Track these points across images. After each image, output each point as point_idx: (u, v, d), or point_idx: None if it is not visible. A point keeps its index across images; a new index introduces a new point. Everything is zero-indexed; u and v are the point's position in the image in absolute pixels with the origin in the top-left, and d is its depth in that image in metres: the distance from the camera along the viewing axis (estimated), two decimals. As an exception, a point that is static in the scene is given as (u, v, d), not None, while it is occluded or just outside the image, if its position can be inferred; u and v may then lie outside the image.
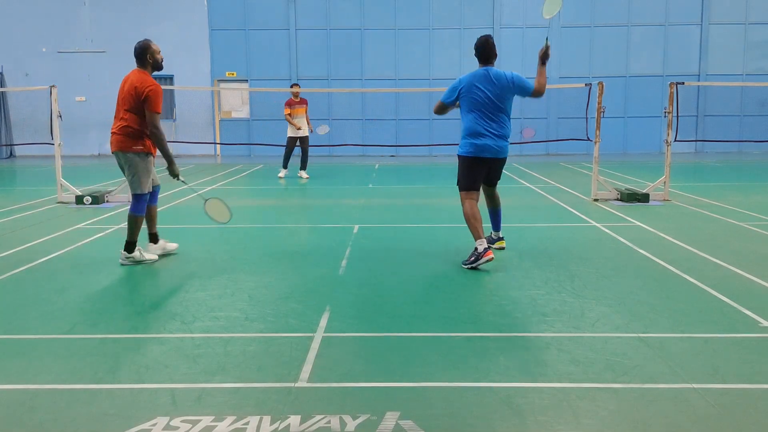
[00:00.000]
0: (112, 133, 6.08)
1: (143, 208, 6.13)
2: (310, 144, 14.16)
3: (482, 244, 5.87)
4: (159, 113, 5.92)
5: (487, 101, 6.04)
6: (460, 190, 6.25)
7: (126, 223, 6.14)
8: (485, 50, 6.13)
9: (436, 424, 2.98)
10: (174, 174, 6.24)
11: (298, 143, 13.91)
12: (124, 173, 6.18)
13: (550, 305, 4.77)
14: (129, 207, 6.18)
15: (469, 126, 6.12)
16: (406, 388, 3.37)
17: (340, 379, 3.48)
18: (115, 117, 6.08)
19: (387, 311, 4.69)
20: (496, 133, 6.10)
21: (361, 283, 5.52)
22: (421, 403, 3.19)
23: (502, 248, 6.62)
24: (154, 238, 6.39)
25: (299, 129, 13.69)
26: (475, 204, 6.18)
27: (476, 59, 6.19)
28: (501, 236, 6.72)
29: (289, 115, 13.71)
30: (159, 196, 6.49)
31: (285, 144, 14.13)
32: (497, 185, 6.54)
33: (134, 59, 6.05)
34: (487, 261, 5.82)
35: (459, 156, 6.23)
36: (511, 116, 6.20)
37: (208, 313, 4.65)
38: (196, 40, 21.38)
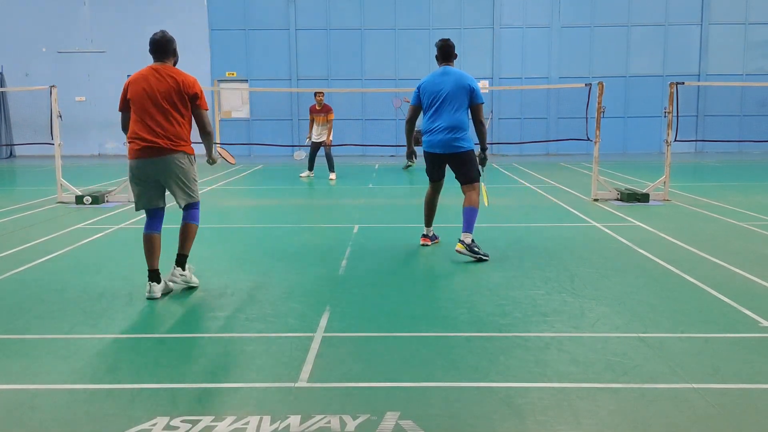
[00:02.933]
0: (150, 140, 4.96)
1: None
2: (333, 144, 14.20)
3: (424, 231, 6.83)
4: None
5: (440, 97, 6.40)
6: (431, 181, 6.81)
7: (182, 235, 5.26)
8: (445, 50, 6.52)
9: (436, 424, 2.98)
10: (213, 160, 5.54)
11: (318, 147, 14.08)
12: (168, 184, 5.10)
13: (550, 305, 4.76)
14: (192, 218, 5.27)
15: (424, 123, 6.54)
16: (406, 388, 3.37)
17: (340, 379, 3.48)
18: (143, 120, 4.98)
19: (387, 311, 4.69)
20: (445, 127, 6.40)
21: (361, 283, 5.52)
22: (421, 403, 3.19)
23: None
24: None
25: (314, 137, 13.85)
26: (430, 192, 6.85)
27: (440, 57, 6.54)
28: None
29: (311, 121, 14.00)
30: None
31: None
32: (467, 184, 6.59)
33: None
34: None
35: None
36: (465, 116, 6.49)
37: (208, 313, 4.65)
38: (196, 40, 21.37)
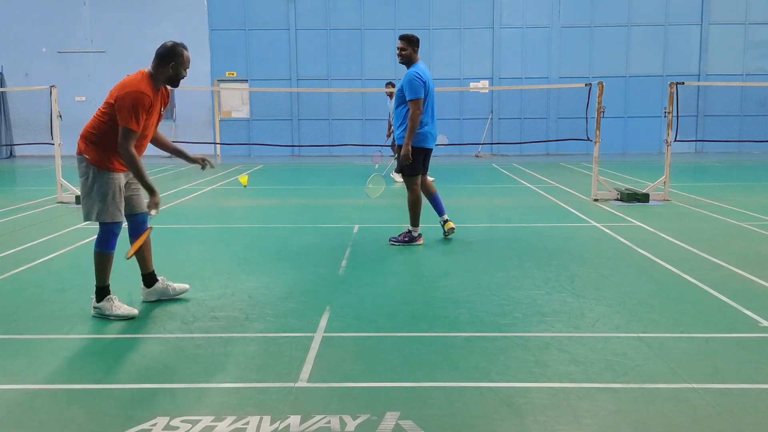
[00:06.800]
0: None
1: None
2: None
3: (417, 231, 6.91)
4: (132, 129, 4.35)
5: (431, 90, 6.70)
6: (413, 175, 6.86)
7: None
8: (418, 44, 6.79)
9: (436, 424, 2.98)
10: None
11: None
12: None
13: (550, 305, 4.76)
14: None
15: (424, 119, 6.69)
16: (406, 388, 3.37)
17: (340, 379, 3.48)
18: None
19: (387, 311, 4.69)
20: (435, 120, 6.87)
21: (361, 283, 5.52)
22: (421, 403, 3.19)
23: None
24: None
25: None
26: (418, 188, 6.95)
27: (416, 51, 6.71)
28: (447, 218, 7.22)
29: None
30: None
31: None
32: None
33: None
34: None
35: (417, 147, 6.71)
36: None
37: (208, 313, 4.65)
38: (196, 40, 21.35)
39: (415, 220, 6.89)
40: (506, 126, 21.36)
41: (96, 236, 4.63)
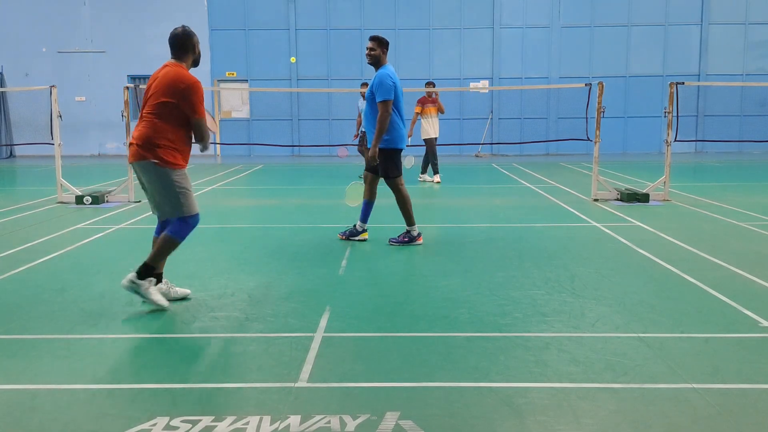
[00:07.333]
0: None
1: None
2: (438, 144, 13.19)
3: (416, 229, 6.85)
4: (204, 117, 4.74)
5: (400, 93, 6.78)
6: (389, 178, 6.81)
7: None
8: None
9: (436, 424, 2.98)
10: None
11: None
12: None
13: (550, 305, 4.76)
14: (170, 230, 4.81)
15: (395, 120, 6.73)
16: (406, 388, 3.37)
17: (340, 379, 3.48)
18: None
19: (387, 311, 4.69)
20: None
21: (361, 283, 5.52)
22: (421, 403, 3.19)
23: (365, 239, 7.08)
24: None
25: (431, 132, 12.85)
26: (404, 187, 6.89)
27: (385, 53, 6.81)
28: (365, 228, 7.14)
29: (419, 114, 12.80)
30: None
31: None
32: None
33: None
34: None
35: (389, 149, 6.72)
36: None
37: (208, 313, 4.65)
38: (196, 40, 21.36)
39: (410, 220, 6.89)
40: (506, 126, 21.36)
41: (172, 226, 4.73)
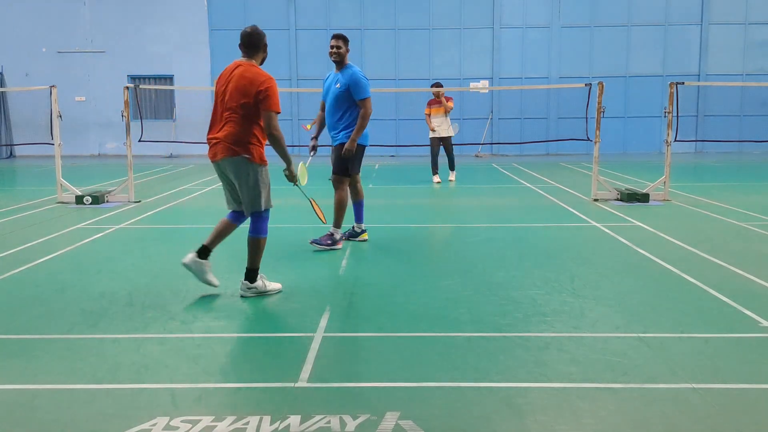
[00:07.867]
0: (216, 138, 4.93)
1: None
2: (453, 143, 13.17)
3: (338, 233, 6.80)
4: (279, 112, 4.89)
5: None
6: (355, 174, 6.98)
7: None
8: None
9: (436, 424, 2.98)
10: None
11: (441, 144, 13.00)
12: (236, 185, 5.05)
13: (550, 305, 4.76)
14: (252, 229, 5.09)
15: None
16: (406, 388, 3.37)
17: (340, 379, 3.48)
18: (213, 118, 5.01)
19: (387, 311, 4.69)
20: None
21: (361, 283, 5.52)
22: (421, 403, 3.19)
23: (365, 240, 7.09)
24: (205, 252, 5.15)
25: (433, 130, 12.81)
26: (347, 188, 7.06)
27: (348, 54, 6.87)
28: (364, 228, 7.18)
29: (428, 115, 12.92)
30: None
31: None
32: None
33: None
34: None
35: (359, 145, 6.85)
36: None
37: (208, 313, 4.65)
38: (196, 40, 21.37)
39: (339, 222, 6.80)
40: (506, 126, 21.35)
41: (252, 226, 5.04)
